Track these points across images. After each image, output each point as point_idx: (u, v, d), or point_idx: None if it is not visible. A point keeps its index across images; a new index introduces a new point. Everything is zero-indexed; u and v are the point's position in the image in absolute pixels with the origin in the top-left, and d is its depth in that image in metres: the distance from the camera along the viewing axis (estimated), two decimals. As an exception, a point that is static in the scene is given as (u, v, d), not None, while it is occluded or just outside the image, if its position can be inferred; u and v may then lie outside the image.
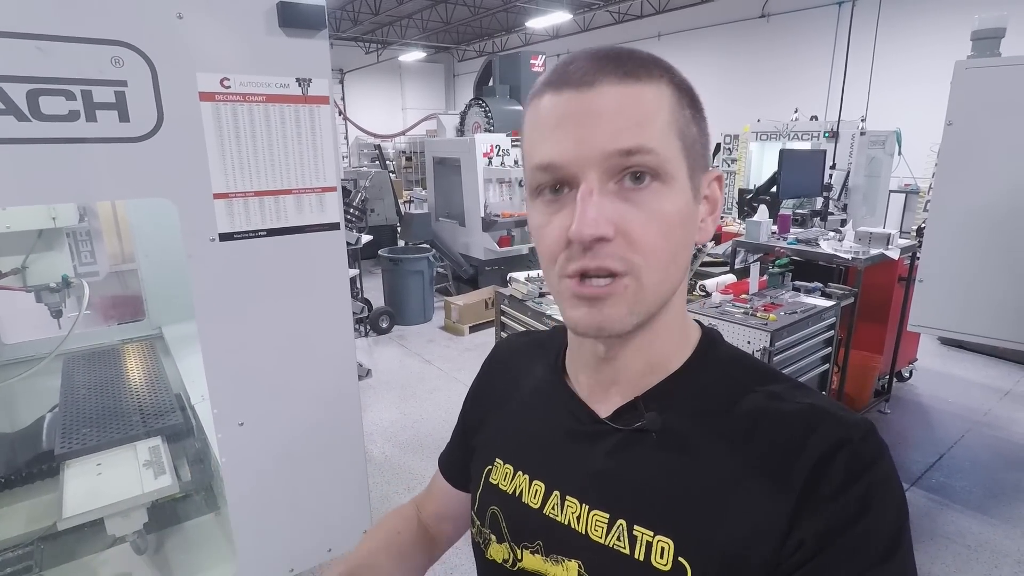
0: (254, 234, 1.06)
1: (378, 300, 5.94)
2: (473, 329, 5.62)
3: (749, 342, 2.65)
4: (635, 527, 0.53)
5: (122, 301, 2.80)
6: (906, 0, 8.55)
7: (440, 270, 6.60)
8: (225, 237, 1.03)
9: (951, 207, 1.36)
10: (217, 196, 1.01)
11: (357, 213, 4.58)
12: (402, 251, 6.20)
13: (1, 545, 1.64)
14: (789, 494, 0.48)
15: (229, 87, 0.99)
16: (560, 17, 12.25)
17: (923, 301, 1.41)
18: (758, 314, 2.77)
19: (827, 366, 3.12)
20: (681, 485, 0.53)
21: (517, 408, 0.70)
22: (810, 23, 10.08)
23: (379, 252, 5.99)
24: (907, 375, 4.40)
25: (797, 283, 3.29)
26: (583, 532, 0.56)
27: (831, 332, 3.06)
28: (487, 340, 5.29)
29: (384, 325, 5.58)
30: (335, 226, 1.16)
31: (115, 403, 1.84)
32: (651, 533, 0.52)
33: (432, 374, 4.67)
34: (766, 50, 10.89)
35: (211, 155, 0.99)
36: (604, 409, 0.59)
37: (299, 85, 1.07)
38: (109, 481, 1.49)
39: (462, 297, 5.78)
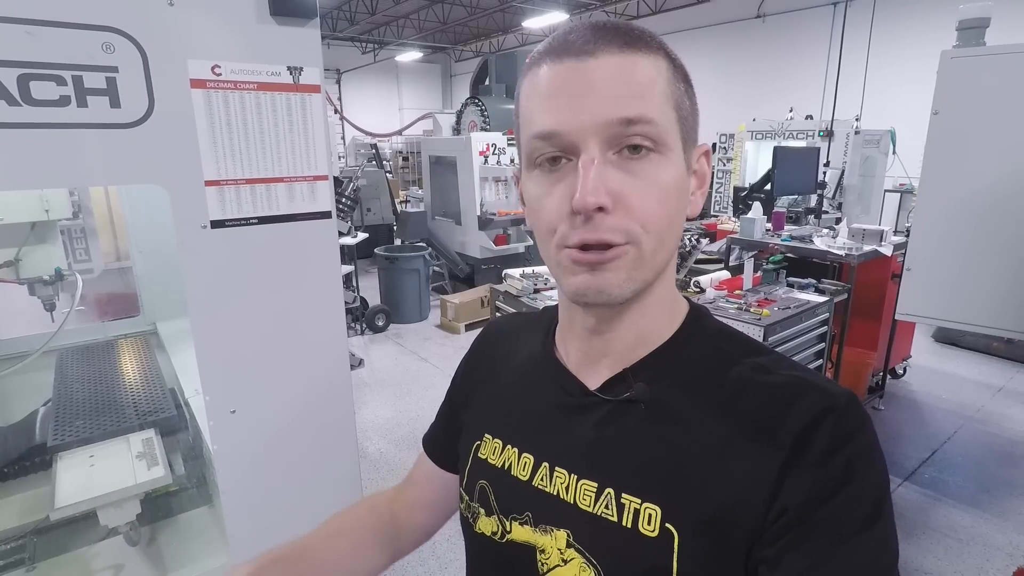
0: (245, 221, 1.06)
1: (374, 298, 5.94)
2: (469, 327, 5.62)
3: (743, 337, 2.66)
4: (623, 495, 0.53)
5: (117, 298, 2.80)
6: (900, 1, 8.60)
7: (436, 268, 6.61)
8: (217, 224, 1.03)
9: (938, 196, 1.37)
10: (208, 183, 1.01)
11: (349, 203, 4.58)
12: (398, 249, 6.20)
13: (-6, 537, 1.63)
14: (774, 460, 0.49)
15: (220, 74, 1.00)
16: (556, 17, 12.27)
17: (911, 290, 1.42)
18: (752, 309, 2.78)
19: (821, 361, 3.14)
20: (668, 453, 0.53)
21: (507, 383, 0.70)
22: (806, 23, 10.12)
23: (375, 250, 5.99)
24: (901, 372, 4.42)
25: (791, 279, 3.30)
26: (571, 502, 0.56)
27: (824, 328, 3.08)
28: (483, 338, 5.29)
29: (380, 323, 5.58)
30: (327, 214, 1.16)
31: (109, 397, 1.84)
32: (638, 500, 0.52)
33: (428, 372, 4.68)
34: (762, 50, 10.93)
35: (202, 142, 1.00)
36: (594, 381, 0.60)
37: (290, 73, 1.07)
38: (102, 472, 1.49)
39: (458, 295, 5.78)
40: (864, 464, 0.48)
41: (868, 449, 0.49)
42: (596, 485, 0.55)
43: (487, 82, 7.10)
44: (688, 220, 0.58)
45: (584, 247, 0.50)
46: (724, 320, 2.71)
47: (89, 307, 2.80)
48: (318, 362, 1.21)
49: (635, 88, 0.48)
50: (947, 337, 5.15)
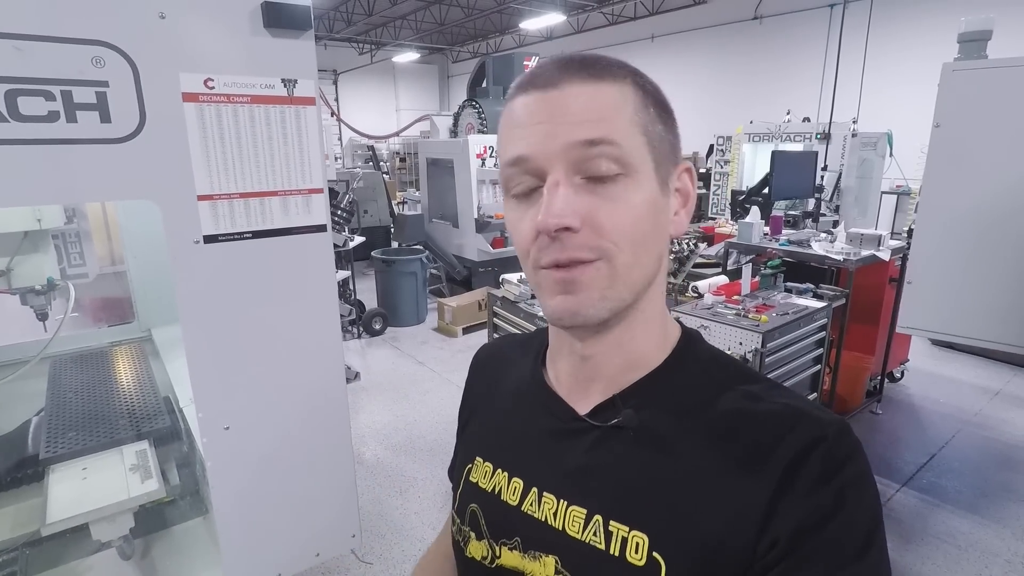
0: (239, 236, 1.05)
1: (371, 301, 5.92)
2: (467, 330, 5.61)
3: (741, 343, 2.66)
4: (611, 522, 0.53)
5: (112, 303, 2.78)
6: (897, 3, 8.62)
7: (433, 271, 6.59)
8: (210, 239, 1.02)
9: (939, 209, 1.37)
10: (201, 198, 1.00)
11: (344, 215, 4.57)
12: (395, 252, 6.18)
13: (-15, 550, 1.61)
14: (764, 490, 0.48)
15: (213, 88, 0.98)
16: (554, 19, 12.27)
17: (912, 303, 1.41)
18: (750, 315, 2.77)
19: (819, 367, 3.13)
20: (657, 481, 0.53)
21: (498, 407, 0.71)
22: (802, 25, 10.14)
23: (372, 253, 5.97)
24: (899, 376, 4.42)
25: (789, 284, 3.29)
26: (560, 528, 0.56)
27: (823, 333, 3.07)
28: (480, 341, 5.27)
29: (377, 327, 5.56)
30: (322, 228, 1.15)
31: (102, 406, 1.82)
32: (626, 528, 0.52)
33: (425, 376, 4.66)
34: (759, 52, 10.94)
35: (195, 156, 0.98)
36: (584, 406, 0.60)
37: (284, 86, 1.06)
38: (95, 486, 1.48)
39: (455, 298, 5.77)
40: (855, 493, 0.48)
41: (859, 478, 0.49)
42: (584, 511, 0.55)
43: (484, 84, 7.08)
44: (673, 238, 0.60)
45: (557, 265, 0.51)
46: (723, 327, 2.72)
47: (83, 312, 2.78)
48: (313, 378, 1.20)
49: (597, 113, 0.50)
50: (944, 341, 5.15)
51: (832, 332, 3.18)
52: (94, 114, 0.89)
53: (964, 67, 1.27)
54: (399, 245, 6.67)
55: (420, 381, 4.54)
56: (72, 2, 0.85)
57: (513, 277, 3.21)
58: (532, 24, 12.77)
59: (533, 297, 3.05)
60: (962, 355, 4.96)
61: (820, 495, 0.47)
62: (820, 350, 3.09)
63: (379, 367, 4.86)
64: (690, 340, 0.62)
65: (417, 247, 6.23)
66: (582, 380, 0.61)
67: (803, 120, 7.16)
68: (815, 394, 3.16)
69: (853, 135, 6.07)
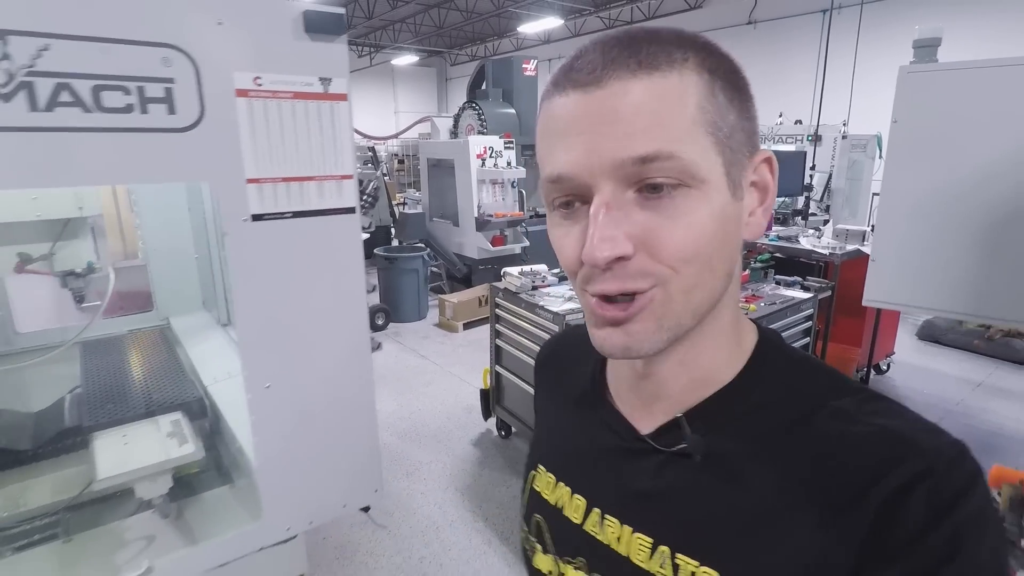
0: (281, 215, 1.19)
1: (373, 298, 6.06)
2: (467, 326, 5.74)
3: (731, 331, 2.80)
4: (678, 555, 0.49)
5: (126, 296, 2.91)
6: (886, 10, 8.81)
7: (434, 269, 6.72)
8: (256, 218, 1.16)
9: (898, 195, 1.53)
10: (250, 181, 1.14)
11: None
12: (397, 250, 6.32)
13: (29, 514, 1.74)
14: (854, 534, 0.42)
15: (261, 85, 1.12)
16: (551, 22, 12.43)
17: (876, 278, 1.57)
18: (739, 305, 2.92)
19: (805, 355, 3.28)
20: (728, 514, 0.48)
21: (559, 415, 0.67)
22: (796, 30, 10.32)
23: (375, 251, 6.11)
24: (885, 368, 4.57)
25: (778, 277, 3.45)
26: (625, 555, 0.53)
27: (809, 323, 3.22)
28: (480, 336, 5.41)
29: (380, 322, 5.69)
30: (351, 210, 1.29)
31: (134, 383, 1.95)
32: (695, 563, 0.48)
33: (428, 368, 4.79)
34: (753, 56, 11.11)
35: (244, 144, 1.12)
36: (647, 424, 0.54)
37: (321, 83, 1.20)
38: (136, 450, 1.61)
39: (456, 295, 5.90)
40: (974, 536, 0.39)
41: (978, 517, 0.40)
42: (651, 541, 0.51)
43: (484, 86, 7.23)
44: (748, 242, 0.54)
45: (606, 297, 0.45)
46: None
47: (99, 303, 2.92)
48: (343, 341, 1.34)
49: (652, 117, 0.42)
50: (930, 335, 5.31)
51: (818, 322, 3.34)
52: (162, 106, 1.03)
53: (918, 70, 1.44)
54: (399, 243, 6.80)
55: (423, 373, 4.68)
56: (147, 11, 0.99)
57: (514, 270, 3.35)
58: (530, 28, 12.93)
59: (534, 288, 3.19)
60: (946, 349, 5.13)
61: (927, 543, 0.39)
62: (807, 339, 3.25)
63: (382, 360, 5.00)
64: (769, 346, 0.54)
65: (419, 245, 6.37)
66: (644, 398, 0.55)
67: (795, 123, 7.33)
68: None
69: (843, 137, 6.24)
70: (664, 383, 0.52)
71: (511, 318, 3.36)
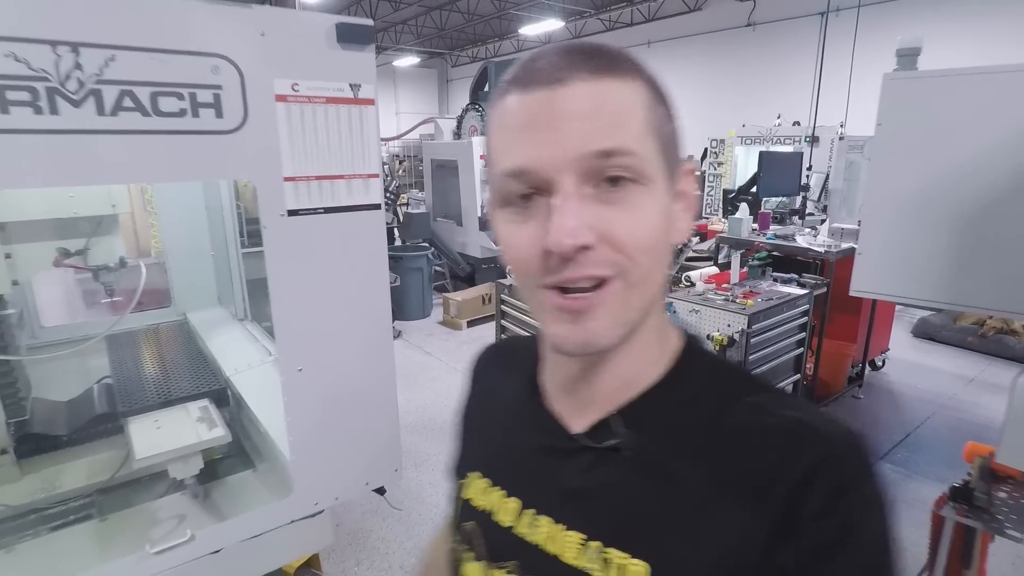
0: (314, 211, 1.29)
1: (379, 296, 6.16)
2: (471, 324, 5.85)
3: (729, 325, 2.91)
4: (608, 549, 0.50)
5: (146, 292, 3.01)
6: (883, 14, 8.92)
7: (438, 268, 6.82)
8: (292, 213, 1.26)
9: (882, 193, 1.64)
10: (287, 179, 1.24)
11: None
12: (402, 250, 6.42)
13: (64, 496, 1.83)
14: (769, 515, 0.45)
15: (298, 90, 1.22)
16: (552, 24, 12.56)
17: (862, 270, 1.69)
18: (737, 300, 3.03)
19: (802, 350, 3.39)
20: (656, 506, 0.50)
21: (493, 420, 0.69)
22: (794, 32, 10.42)
23: (380, 250, 6.20)
24: (880, 364, 4.68)
25: (775, 274, 3.56)
26: (555, 553, 0.53)
27: (805, 319, 3.33)
28: (484, 334, 5.51)
29: (385, 320, 5.79)
30: (377, 207, 1.39)
31: (160, 373, 2.05)
32: (624, 556, 0.49)
33: (433, 365, 4.90)
34: (752, 58, 11.24)
35: (283, 145, 1.22)
36: (580, 423, 0.56)
37: (351, 89, 1.30)
38: (168, 433, 1.70)
39: (460, 293, 6.01)
40: (866, 517, 0.45)
41: (871, 500, 0.46)
42: (582, 537, 0.52)
43: (486, 88, 7.33)
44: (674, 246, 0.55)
45: (564, 289, 0.47)
46: (713, 311, 2.96)
47: (125, 297, 3.02)
48: (367, 329, 1.45)
49: (611, 117, 0.45)
50: (925, 332, 5.42)
51: (814, 318, 3.44)
52: (211, 111, 1.13)
53: (899, 76, 1.56)
54: (403, 243, 6.90)
55: (428, 369, 4.78)
56: (198, 25, 1.09)
57: (519, 267, 3.45)
58: (531, 30, 13.05)
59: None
60: (940, 346, 5.24)
61: (828, 520, 0.44)
62: (803, 334, 3.36)
63: (388, 357, 5.10)
64: (691, 350, 0.57)
65: (423, 244, 6.47)
66: (579, 399, 0.57)
67: (793, 124, 7.45)
68: (798, 375, 3.41)
69: (840, 139, 6.35)
70: (599, 384, 0.55)
71: (517, 314, 3.46)
